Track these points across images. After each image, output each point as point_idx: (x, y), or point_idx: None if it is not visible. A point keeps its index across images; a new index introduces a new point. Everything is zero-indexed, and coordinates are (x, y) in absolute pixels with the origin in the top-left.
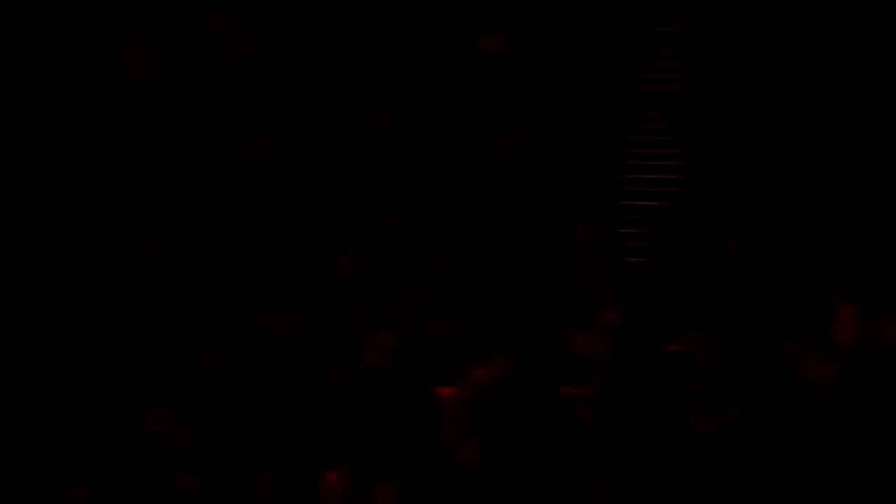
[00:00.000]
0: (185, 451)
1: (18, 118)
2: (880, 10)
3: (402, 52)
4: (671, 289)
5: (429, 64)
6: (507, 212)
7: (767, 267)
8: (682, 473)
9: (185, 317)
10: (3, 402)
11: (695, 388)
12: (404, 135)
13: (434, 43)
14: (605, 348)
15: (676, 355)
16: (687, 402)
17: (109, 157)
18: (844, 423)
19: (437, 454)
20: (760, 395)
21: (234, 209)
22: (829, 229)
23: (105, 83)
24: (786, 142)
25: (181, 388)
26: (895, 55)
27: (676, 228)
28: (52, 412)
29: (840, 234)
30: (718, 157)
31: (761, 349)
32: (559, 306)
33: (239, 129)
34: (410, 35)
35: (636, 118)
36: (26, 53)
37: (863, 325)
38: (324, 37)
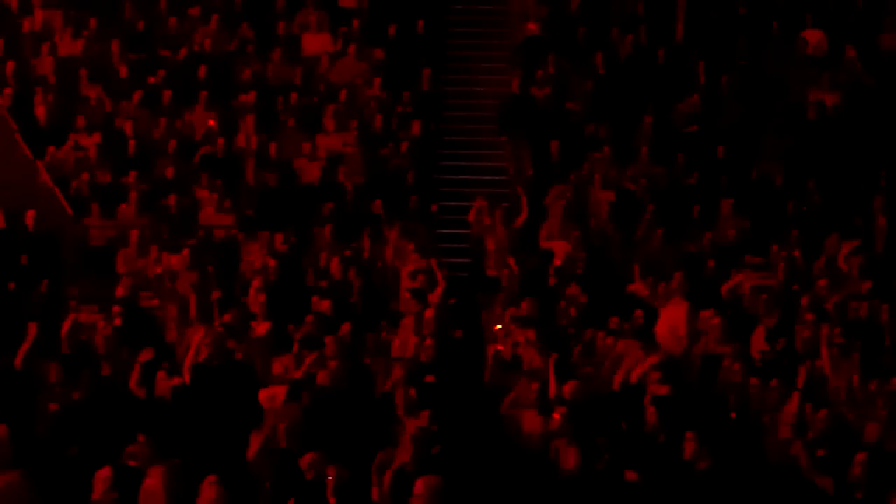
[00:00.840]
0: None
1: None
2: None
3: None
4: (492, 287)
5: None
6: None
7: (592, 263)
8: (508, 473)
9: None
10: None
11: (522, 388)
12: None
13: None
14: (424, 346)
15: (499, 355)
16: (514, 403)
17: None
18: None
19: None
20: (583, 396)
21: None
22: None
23: None
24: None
25: None
26: None
27: (497, 228)
28: None
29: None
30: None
31: (583, 345)
32: (376, 303)
33: None
34: None
35: (456, 119)
36: None
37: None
38: None
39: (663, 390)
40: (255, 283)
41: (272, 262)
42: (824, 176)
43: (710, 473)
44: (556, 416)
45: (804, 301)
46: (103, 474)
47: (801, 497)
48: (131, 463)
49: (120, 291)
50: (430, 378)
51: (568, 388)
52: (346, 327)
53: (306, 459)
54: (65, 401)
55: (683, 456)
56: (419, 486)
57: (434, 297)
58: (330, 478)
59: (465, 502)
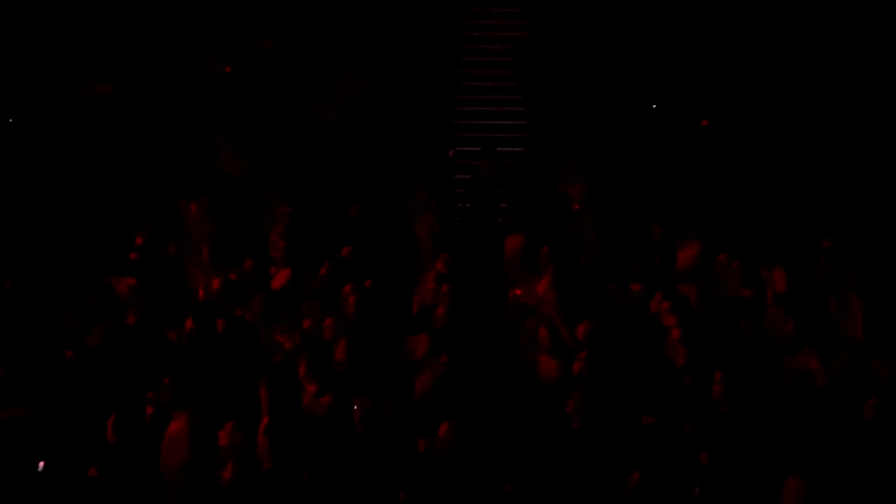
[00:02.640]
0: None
1: None
2: None
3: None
4: (509, 236)
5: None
6: (348, 162)
7: (610, 213)
8: (526, 418)
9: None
10: None
11: (542, 335)
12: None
13: None
14: (441, 293)
15: (519, 302)
16: (533, 348)
17: None
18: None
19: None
20: (606, 340)
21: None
22: (662, 169)
23: None
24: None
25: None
26: None
27: (515, 177)
28: None
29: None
30: (556, 106)
31: (600, 294)
32: (397, 257)
33: None
34: None
35: (472, 64)
36: None
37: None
38: None
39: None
40: (275, 230)
41: (290, 210)
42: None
43: (733, 416)
44: (577, 362)
45: (825, 243)
46: (114, 418)
47: (818, 439)
48: (149, 410)
49: (139, 240)
50: (441, 323)
51: (583, 330)
52: (366, 278)
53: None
54: (81, 347)
55: (708, 398)
56: (442, 430)
57: (451, 243)
58: (356, 408)
59: (484, 446)
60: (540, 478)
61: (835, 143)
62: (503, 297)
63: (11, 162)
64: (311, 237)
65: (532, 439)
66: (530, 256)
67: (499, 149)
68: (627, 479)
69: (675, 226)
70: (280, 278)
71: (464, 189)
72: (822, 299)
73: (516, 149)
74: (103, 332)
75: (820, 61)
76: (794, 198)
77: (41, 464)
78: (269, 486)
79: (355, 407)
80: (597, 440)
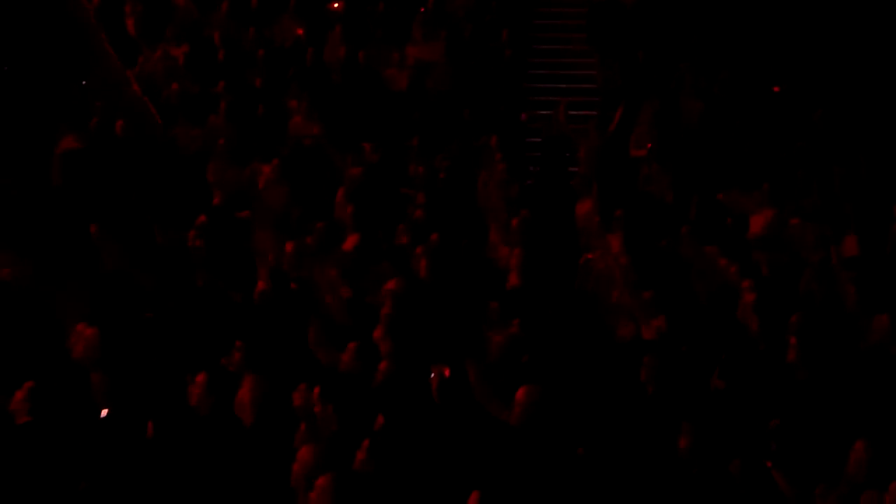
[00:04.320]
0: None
1: None
2: None
3: None
4: (581, 199)
5: None
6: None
7: (683, 175)
8: (607, 379)
9: None
10: None
11: (617, 298)
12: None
13: None
14: (513, 254)
15: (591, 266)
16: (608, 311)
17: None
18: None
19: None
20: (679, 303)
21: None
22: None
23: None
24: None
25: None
26: None
27: (587, 141)
28: None
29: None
30: (631, 66)
31: (674, 258)
32: (469, 220)
33: None
34: None
35: (546, 28)
36: None
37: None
38: None
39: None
40: (341, 192)
41: (360, 171)
42: None
43: (808, 383)
44: (648, 327)
45: None
46: (200, 379)
47: (890, 404)
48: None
49: (216, 201)
50: (515, 284)
51: (648, 296)
52: (435, 236)
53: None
54: (159, 309)
55: (783, 363)
56: (520, 394)
57: (523, 207)
58: (433, 376)
59: (561, 412)
60: (613, 442)
61: None
62: (575, 262)
63: (81, 121)
64: (382, 200)
65: (606, 404)
66: (603, 220)
67: (571, 112)
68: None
69: (748, 191)
70: (350, 241)
71: (535, 153)
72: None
73: (588, 112)
74: (174, 294)
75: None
76: (865, 163)
77: (104, 411)
78: (340, 451)
79: (432, 375)
80: (669, 405)
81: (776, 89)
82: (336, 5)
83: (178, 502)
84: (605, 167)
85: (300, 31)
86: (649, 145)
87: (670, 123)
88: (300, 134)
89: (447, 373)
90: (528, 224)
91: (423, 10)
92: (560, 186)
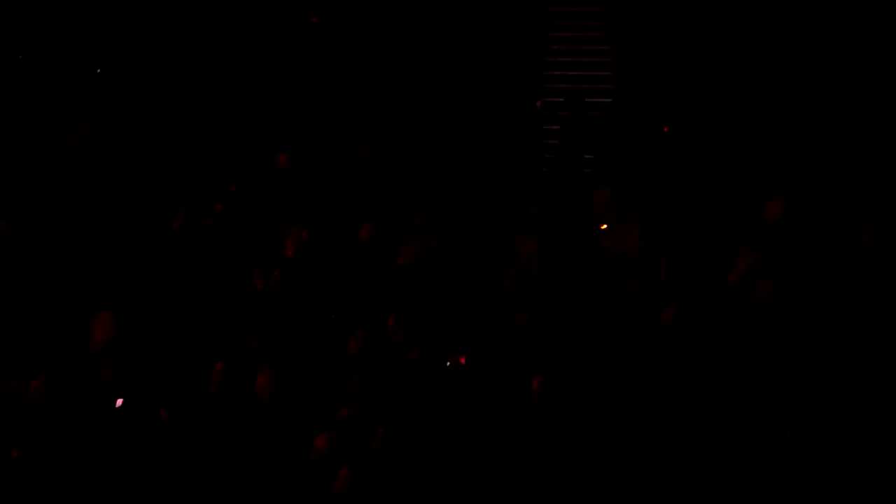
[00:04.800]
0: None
1: None
2: None
3: None
4: (598, 185)
5: None
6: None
7: (697, 160)
8: (624, 367)
9: None
10: None
11: (631, 286)
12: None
13: None
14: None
15: (607, 253)
16: (624, 299)
17: None
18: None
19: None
20: (694, 291)
21: None
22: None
23: None
24: (710, 42)
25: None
26: None
27: (603, 128)
28: None
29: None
30: (643, 52)
31: (694, 243)
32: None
33: None
34: None
35: (561, 15)
36: None
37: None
38: None
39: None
40: (359, 182)
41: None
42: None
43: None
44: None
45: None
46: (219, 367)
47: None
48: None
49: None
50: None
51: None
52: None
53: None
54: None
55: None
56: (535, 383)
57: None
58: (449, 364)
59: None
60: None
61: None
62: (591, 249)
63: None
64: (396, 189)
65: (623, 389)
66: (619, 208)
67: (587, 99)
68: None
69: (764, 179)
70: (365, 231)
71: (551, 140)
72: None
73: (604, 99)
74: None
75: None
76: (882, 154)
77: (119, 401)
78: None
79: (448, 363)
80: (687, 390)
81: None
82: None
83: (195, 491)
84: (621, 155)
85: (314, 19)
86: (665, 129)
87: (686, 111)
88: (315, 123)
89: (462, 361)
90: (544, 212)
91: None
92: (575, 174)
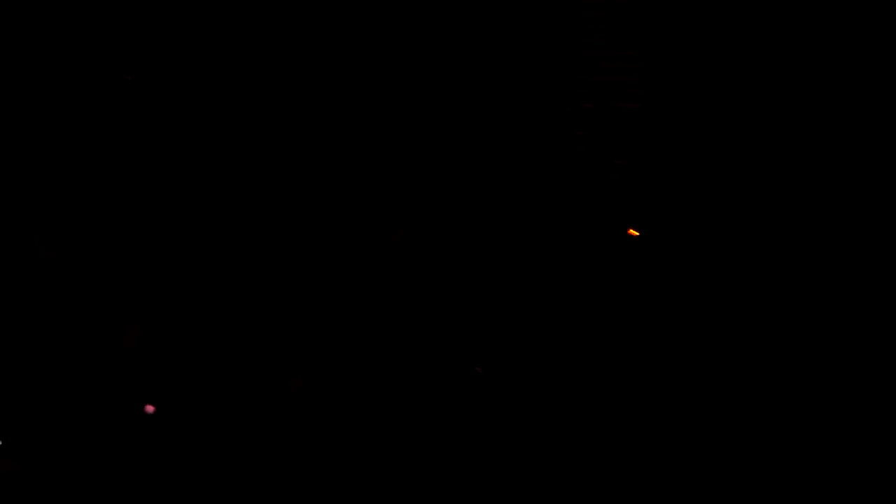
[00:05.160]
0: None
1: None
2: None
3: None
4: (625, 197)
5: None
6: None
7: (720, 172)
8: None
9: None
10: None
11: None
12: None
13: None
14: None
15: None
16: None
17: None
18: None
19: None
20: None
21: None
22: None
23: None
24: (740, 54)
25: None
26: None
27: (632, 133)
28: None
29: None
30: (674, 66)
31: (716, 250)
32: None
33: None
34: None
35: (590, 20)
36: None
37: None
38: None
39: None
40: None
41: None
42: None
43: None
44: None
45: None
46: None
47: None
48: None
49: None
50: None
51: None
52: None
53: None
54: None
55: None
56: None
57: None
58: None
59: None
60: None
61: None
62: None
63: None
64: (424, 191)
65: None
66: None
67: (616, 104)
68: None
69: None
70: (397, 236)
71: (580, 145)
72: None
73: (632, 105)
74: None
75: None
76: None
77: (149, 407)
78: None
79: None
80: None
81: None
82: None
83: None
84: (649, 158)
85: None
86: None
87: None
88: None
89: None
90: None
91: None
92: (604, 178)
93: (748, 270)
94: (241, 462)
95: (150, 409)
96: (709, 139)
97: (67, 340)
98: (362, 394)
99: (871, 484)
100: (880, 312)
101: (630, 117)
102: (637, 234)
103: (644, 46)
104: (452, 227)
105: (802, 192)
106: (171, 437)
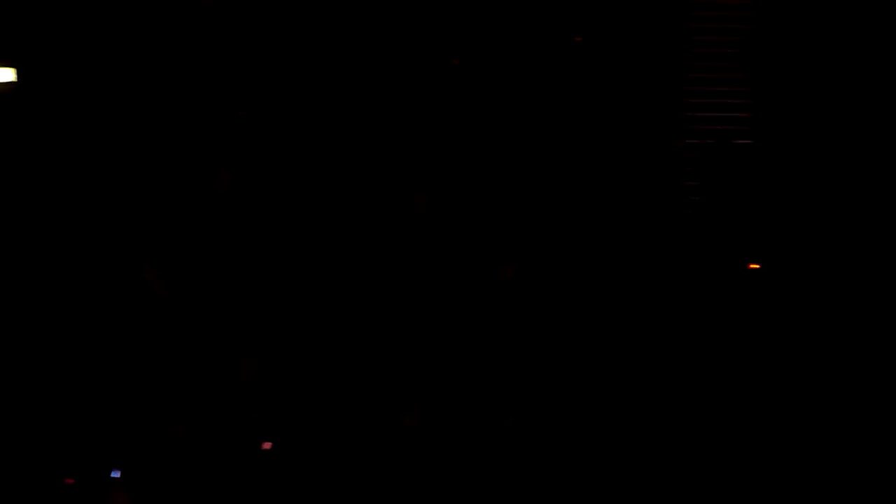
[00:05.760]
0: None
1: None
2: None
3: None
4: (734, 222)
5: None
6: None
7: (830, 199)
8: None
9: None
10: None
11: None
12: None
13: None
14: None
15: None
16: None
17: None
18: None
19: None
20: None
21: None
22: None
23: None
24: (849, 81)
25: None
26: None
27: (739, 164)
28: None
29: None
30: (783, 96)
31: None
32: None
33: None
34: None
35: (702, 56)
36: None
37: None
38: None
39: None
40: (503, 223)
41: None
42: None
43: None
44: None
45: None
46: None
47: None
48: None
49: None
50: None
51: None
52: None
53: None
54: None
55: None
56: None
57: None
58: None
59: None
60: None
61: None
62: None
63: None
64: (543, 227)
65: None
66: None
67: (730, 140)
68: None
69: None
70: (507, 271)
71: (694, 181)
72: None
73: (744, 141)
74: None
75: None
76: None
77: (266, 444)
78: None
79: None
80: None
81: None
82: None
83: None
84: (762, 195)
85: (455, 62)
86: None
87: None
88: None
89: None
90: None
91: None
92: (718, 215)
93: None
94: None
95: (266, 445)
96: (823, 176)
97: (184, 374)
98: (475, 430)
99: (871, 484)
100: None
101: (742, 153)
102: (758, 266)
103: (757, 83)
104: (569, 262)
105: None
106: (289, 473)
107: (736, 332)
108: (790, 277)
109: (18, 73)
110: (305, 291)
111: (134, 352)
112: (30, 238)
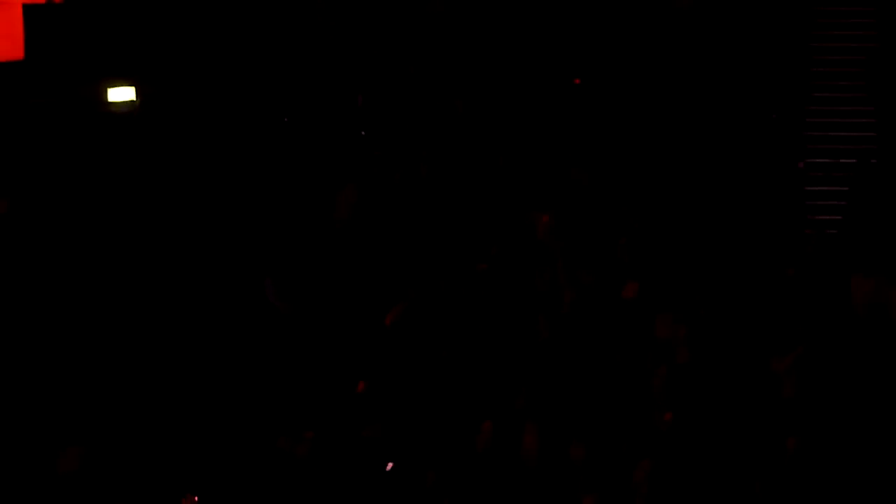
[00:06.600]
0: None
1: None
2: None
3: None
4: (860, 244)
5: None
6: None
7: None
8: None
9: None
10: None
11: None
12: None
13: None
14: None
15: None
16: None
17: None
18: None
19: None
20: None
21: None
22: None
23: None
24: None
25: None
26: None
27: (865, 186)
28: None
29: None
30: None
31: None
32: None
33: None
34: None
35: (824, 75)
36: None
37: None
38: None
39: None
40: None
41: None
42: None
43: None
44: None
45: None
46: (487, 427)
47: None
48: None
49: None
50: None
51: None
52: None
53: None
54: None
55: None
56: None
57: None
58: None
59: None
60: None
61: None
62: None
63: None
64: (658, 247)
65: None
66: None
67: (842, 161)
68: None
69: None
70: (630, 289)
71: (815, 201)
72: None
73: (868, 160)
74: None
75: None
76: None
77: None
78: None
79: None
80: None
81: None
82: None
83: None
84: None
85: (578, 80)
86: None
87: None
88: (578, 181)
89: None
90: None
91: None
92: (840, 235)
93: None
94: None
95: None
96: None
97: (303, 389)
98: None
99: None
100: None
101: (863, 173)
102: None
103: (881, 102)
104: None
105: None
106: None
107: (857, 357)
108: None
109: (139, 92)
110: (427, 306)
111: (254, 366)
112: (154, 252)
